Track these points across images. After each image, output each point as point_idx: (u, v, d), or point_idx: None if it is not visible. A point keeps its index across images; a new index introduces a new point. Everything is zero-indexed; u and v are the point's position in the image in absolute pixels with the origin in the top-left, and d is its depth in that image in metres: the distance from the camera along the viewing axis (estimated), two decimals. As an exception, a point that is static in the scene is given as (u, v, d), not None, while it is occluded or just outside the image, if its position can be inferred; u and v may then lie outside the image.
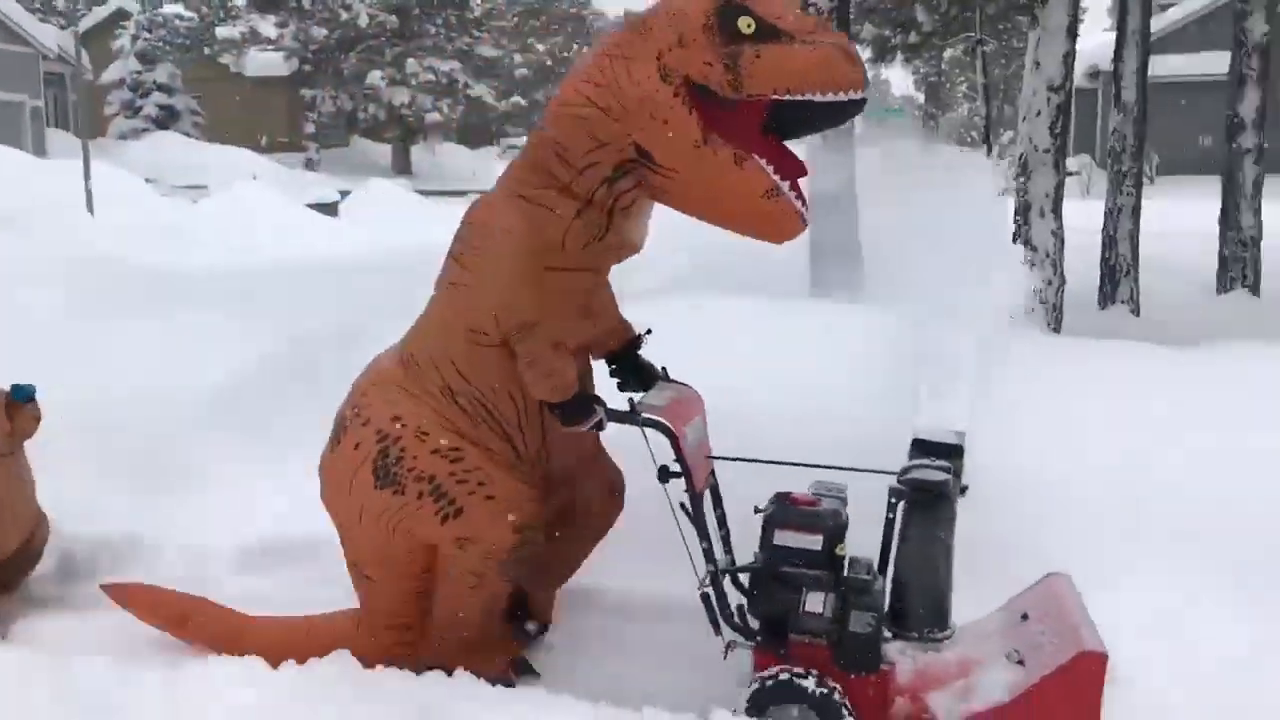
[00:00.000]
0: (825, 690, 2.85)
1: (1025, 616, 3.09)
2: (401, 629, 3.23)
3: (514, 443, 3.16)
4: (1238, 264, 11.80)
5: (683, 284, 11.36)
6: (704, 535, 3.08)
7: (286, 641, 3.24)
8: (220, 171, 22.97)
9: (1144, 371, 4.79)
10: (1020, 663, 2.93)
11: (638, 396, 3.14)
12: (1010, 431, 4.21)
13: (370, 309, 7.51)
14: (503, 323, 3.03)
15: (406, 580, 3.18)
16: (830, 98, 2.80)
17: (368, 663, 3.10)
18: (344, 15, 30.95)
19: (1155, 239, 11.99)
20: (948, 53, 29.22)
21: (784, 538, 2.97)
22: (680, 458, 3.03)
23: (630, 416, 3.06)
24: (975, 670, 2.96)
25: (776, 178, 2.88)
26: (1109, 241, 11.54)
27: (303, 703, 2.81)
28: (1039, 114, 8.45)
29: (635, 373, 3.31)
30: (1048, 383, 4.63)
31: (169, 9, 32.82)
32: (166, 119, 31.22)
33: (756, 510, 3.08)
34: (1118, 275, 11.33)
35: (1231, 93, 11.82)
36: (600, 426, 3.11)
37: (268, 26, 32.04)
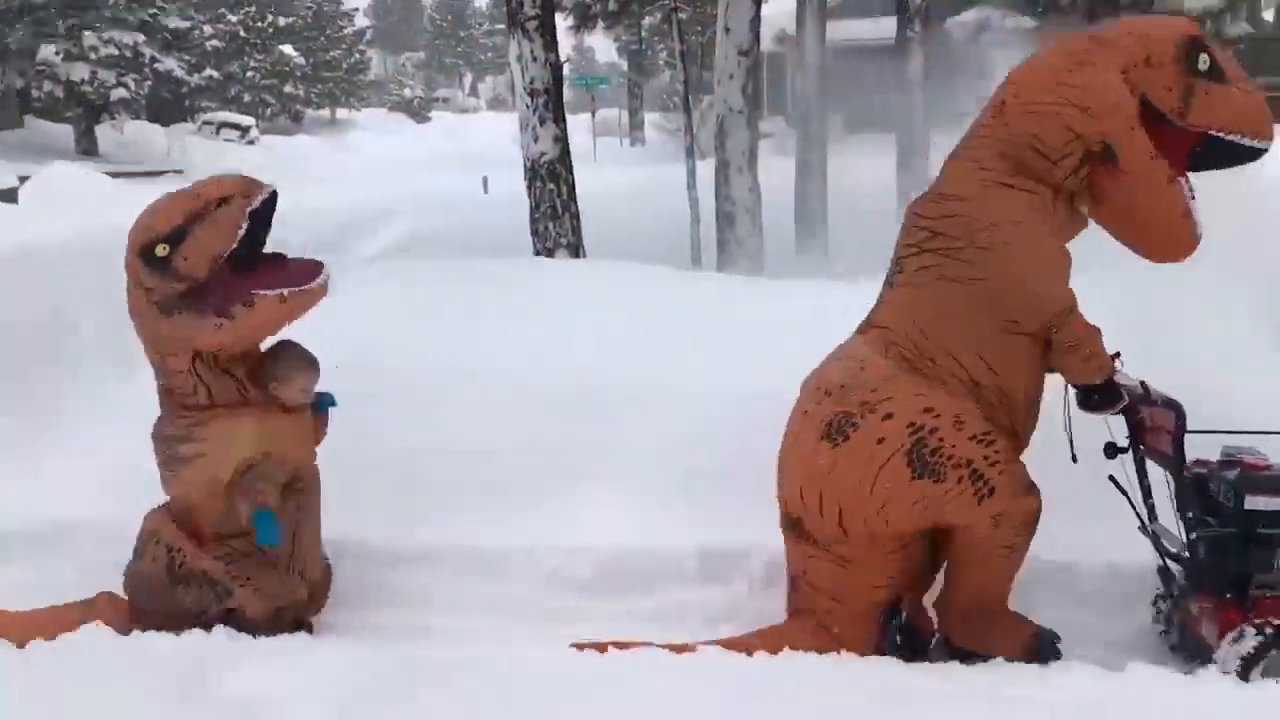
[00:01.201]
0: None
1: None
2: (871, 609, 3.34)
3: (1018, 433, 3.33)
4: (914, 211, 12.99)
5: (403, 250, 11.30)
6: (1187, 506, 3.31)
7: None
8: None
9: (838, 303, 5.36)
10: None
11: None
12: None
13: (68, 298, 7.11)
14: (1044, 310, 3.20)
15: (891, 561, 3.31)
16: (1251, 144, 3.22)
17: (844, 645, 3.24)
18: (5, -16, 28.30)
19: (844, 192, 12.98)
20: (646, 20, 30.08)
21: (1255, 502, 3.19)
22: (1181, 433, 3.26)
23: (1147, 398, 3.33)
24: None
25: (1187, 198, 3.20)
26: (801, 196, 12.43)
27: (68, 671, 2.81)
28: (731, 77, 9.01)
29: None
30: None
31: None
32: None
33: (1188, 473, 3.33)
34: (813, 225, 12.24)
35: (899, 54, 12.94)
36: (1123, 410, 3.33)
37: (-87, -3, 28.83)
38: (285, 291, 3.33)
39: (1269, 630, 3.11)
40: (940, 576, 3.50)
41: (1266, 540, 3.20)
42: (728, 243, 9.27)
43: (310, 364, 3.59)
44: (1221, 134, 3.23)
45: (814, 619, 3.37)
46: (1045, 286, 3.24)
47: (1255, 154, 3.28)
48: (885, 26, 15.36)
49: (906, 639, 3.43)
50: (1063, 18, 13.96)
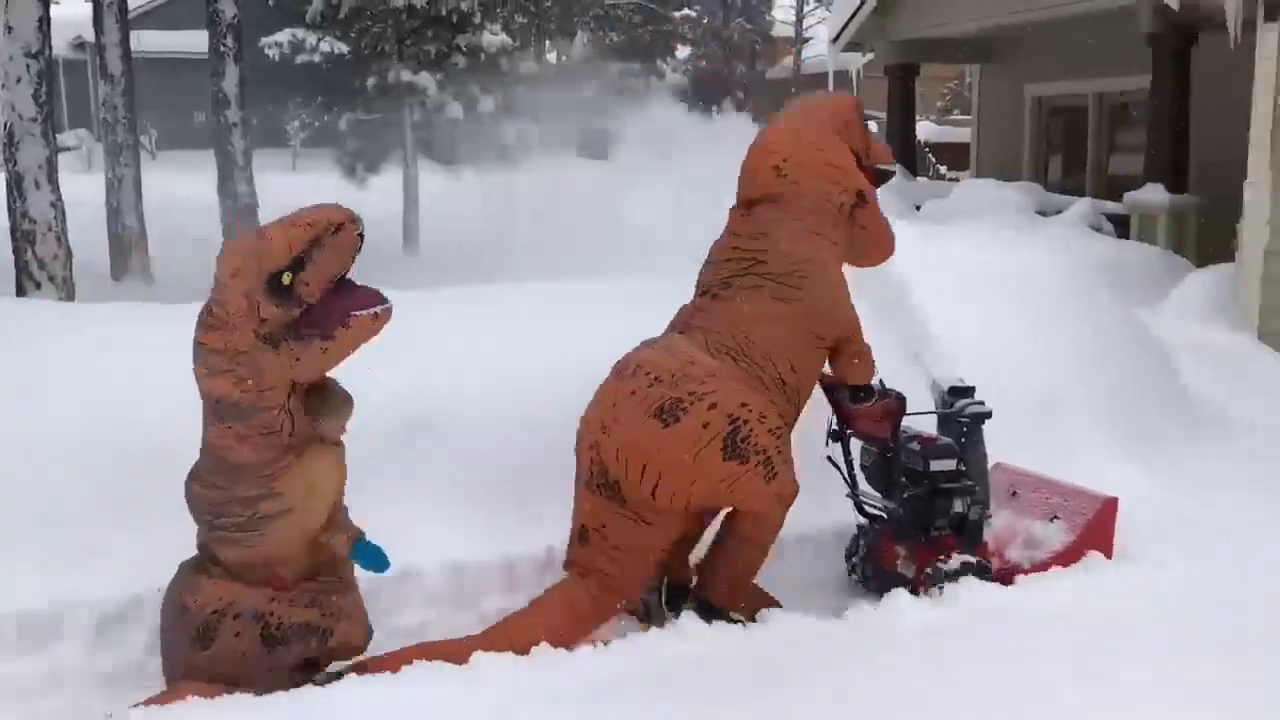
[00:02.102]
0: (980, 560, 4.20)
1: (1015, 493, 4.65)
2: (652, 566, 3.93)
3: (793, 424, 4.06)
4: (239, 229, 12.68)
5: None
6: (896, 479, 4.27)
7: (524, 639, 3.59)
8: None
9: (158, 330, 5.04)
10: (1055, 519, 4.45)
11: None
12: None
13: None
14: (845, 327, 4.13)
15: (678, 527, 3.94)
16: (891, 169, 4.62)
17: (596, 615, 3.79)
18: None
19: (163, 210, 12.28)
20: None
21: (937, 465, 4.18)
22: (901, 417, 4.25)
23: (887, 393, 4.25)
24: (1025, 531, 4.47)
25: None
26: (114, 213, 11.53)
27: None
28: (20, 81, 8.07)
29: None
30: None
31: None
32: None
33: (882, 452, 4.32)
34: (127, 246, 11.40)
35: (213, 69, 12.52)
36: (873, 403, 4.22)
37: None
38: (378, 310, 3.37)
39: (965, 560, 4.16)
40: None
41: (946, 493, 4.23)
42: (29, 264, 8.28)
43: (350, 398, 3.55)
44: (880, 166, 4.52)
45: (595, 578, 3.83)
46: (846, 310, 4.18)
47: (890, 176, 4.65)
48: (196, 40, 14.79)
49: (670, 591, 4.14)
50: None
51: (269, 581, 3.40)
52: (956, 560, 4.16)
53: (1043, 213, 11.62)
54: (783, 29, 47.54)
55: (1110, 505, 4.45)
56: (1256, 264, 7.68)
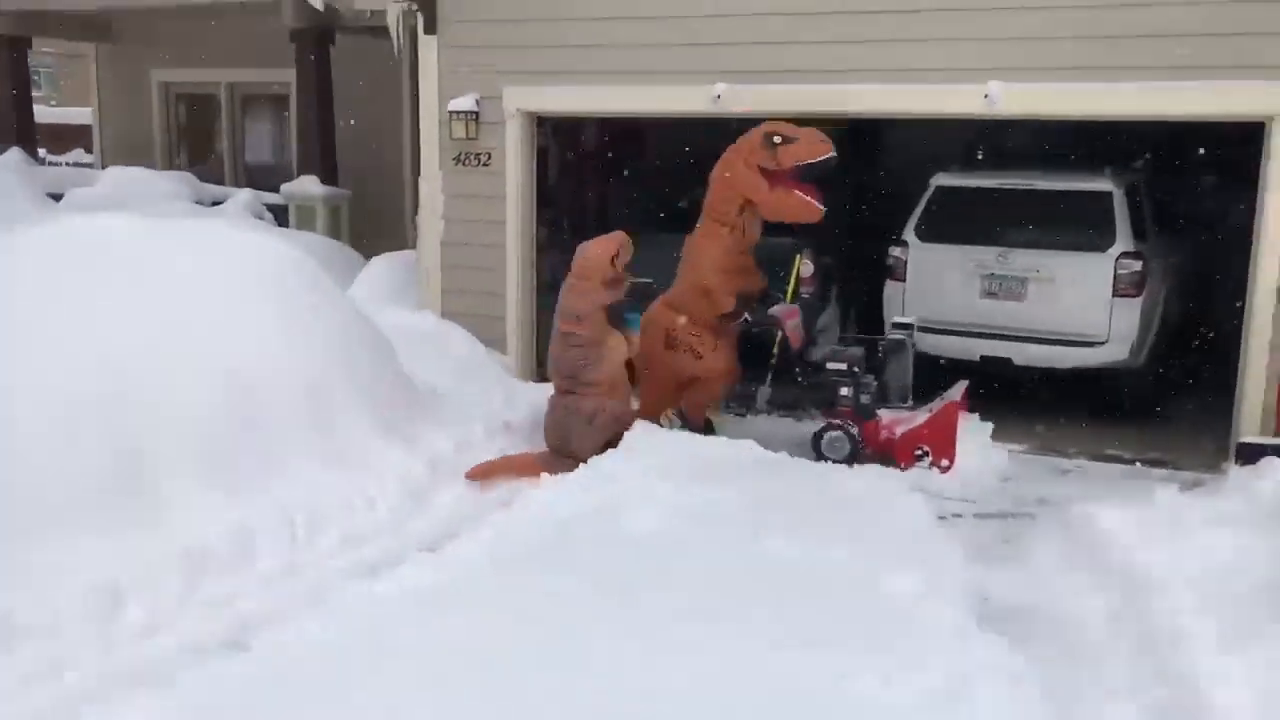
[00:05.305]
0: (850, 428, 6.89)
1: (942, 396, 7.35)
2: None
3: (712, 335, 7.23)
4: None
5: None
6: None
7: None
8: None
9: None
10: (930, 411, 6.95)
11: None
12: None
13: None
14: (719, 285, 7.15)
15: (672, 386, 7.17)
16: (818, 160, 6.72)
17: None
18: None
19: None
20: None
21: (833, 365, 7.02)
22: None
23: (758, 317, 7.28)
24: (914, 418, 6.94)
25: (800, 195, 6.83)
26: None
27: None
28: None
29: (763, 300, 7.29)
30: None
31: None
32: None
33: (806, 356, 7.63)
34: None
35: None
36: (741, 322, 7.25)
37: None
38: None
39: (827, 424, 6.90)
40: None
41: (835, 384, 6.95)
42: None
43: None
44: (798, 164, 6.68)
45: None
46: (715, 278, 7.05)
47: (825, 164, 6.70)
48: None
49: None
50: None
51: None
52: (823, 422, 6.94)
53: (200, 202, 11.38)
54: None
55: (951, 406, 6.84)
56: (435, 254, 8.50)
